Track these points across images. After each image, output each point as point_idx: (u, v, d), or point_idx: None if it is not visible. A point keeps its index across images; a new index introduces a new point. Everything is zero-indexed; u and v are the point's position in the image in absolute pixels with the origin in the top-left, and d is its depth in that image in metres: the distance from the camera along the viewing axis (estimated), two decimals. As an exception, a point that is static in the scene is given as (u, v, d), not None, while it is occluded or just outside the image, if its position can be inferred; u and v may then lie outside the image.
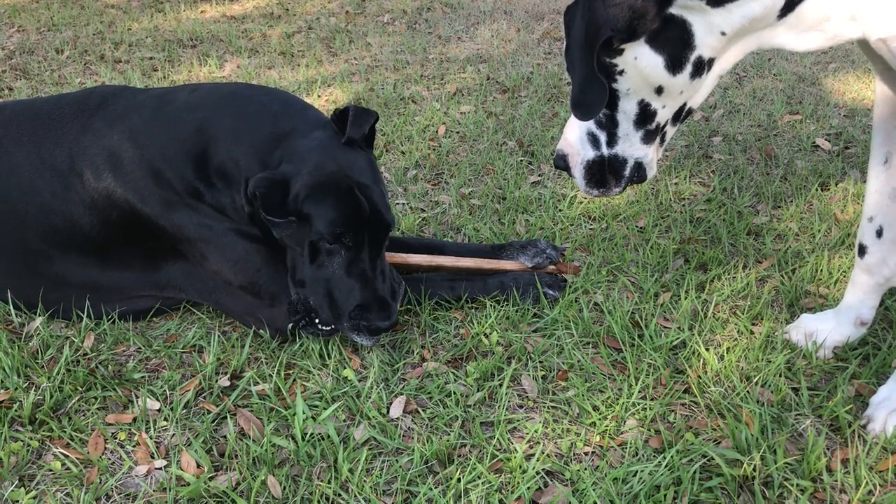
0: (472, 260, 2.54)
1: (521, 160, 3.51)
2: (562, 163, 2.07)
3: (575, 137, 2.02)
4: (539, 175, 3.37)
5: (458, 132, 3.86)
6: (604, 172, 2.02)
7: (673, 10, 1.74)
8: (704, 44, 1.78)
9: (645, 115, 1.90)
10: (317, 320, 2.20)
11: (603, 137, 1.98)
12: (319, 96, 4.35)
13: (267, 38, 5.51)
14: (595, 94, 1.82)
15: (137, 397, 2.09)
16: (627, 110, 1.90)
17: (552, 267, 2.60)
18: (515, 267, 2.55)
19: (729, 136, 3.67)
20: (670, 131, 1.99)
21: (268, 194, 2.07)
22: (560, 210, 3.05)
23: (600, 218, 2.98)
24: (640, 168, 2.02)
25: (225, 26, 5.79)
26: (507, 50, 5.12)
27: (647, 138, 1.96)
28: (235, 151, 2.21)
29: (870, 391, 2.01)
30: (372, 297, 2.15)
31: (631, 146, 1.97)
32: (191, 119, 2.27)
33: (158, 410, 2.05)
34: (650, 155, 2.00)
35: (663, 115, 1.91)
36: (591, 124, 1.98)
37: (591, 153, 2.01)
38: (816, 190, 3.11)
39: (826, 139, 3.61)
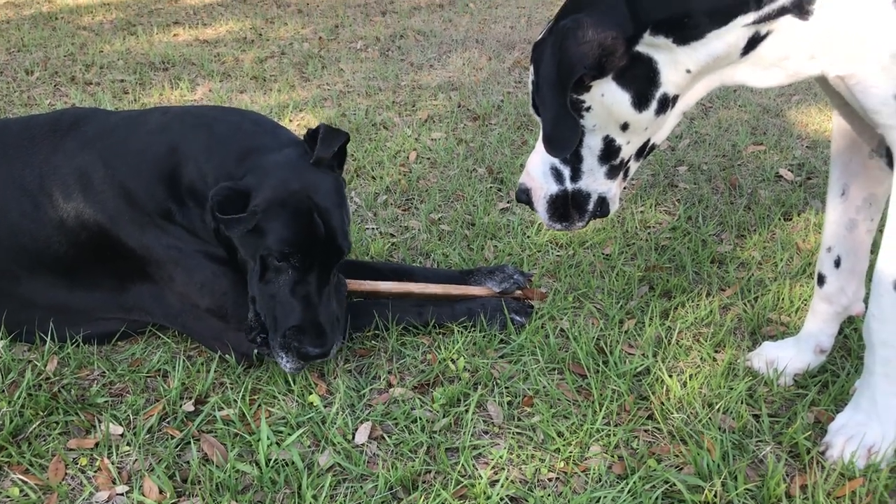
0: (441, 286, 2.55)
1: (491, 187, 3.54)
2: (524, 197, 2.08)
3: (538, 172, 2.03)
4: (508, 202, 3.40)
5: (428, 158, 3.89)
6: (567, 207, 2.04)
7: (640, 48, 1.78)
8: (670, 81, 1.82)
9: (609, 151, 1.94)
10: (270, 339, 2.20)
11: (567, 172, 2.00)
12: (291, 121, 4.37)
13: (239, 63, 5.53)
14: (568, 131, 1.85)
15: (100, 422, 2.07)
16: (592, 146, 1.93)
17: (519, 293, 2.62)
18: (483, 292, 2.57)
19: (694, 166, 3.73)
20: (633, 166, 2.02)
21: (224, 201, 2.06)
22: (528, 236, 3.08)
23: (567, 245, 3.01)
24: (603, 203, 2.04)
25: (197, 50, 5.80)
26: (478, 78, 5.18)
27: (611, 173, 1.99)
28: (205, 169, 2.21)
29: (828, 418, 2.04)
30: (310, 321, 2.14)
31: (595, 181, 2.00)
32: (162, 140, 2.28)
33: (121, 435, 2.03)
34: (613, 190, 2.03)
35: (627, 150, 1.95)
36: (554, 159, 1.99)
37: (554, 188, 2.03)
38: (779, 219, 3.18)
39: (789, 170, 3.68)
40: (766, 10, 1.69)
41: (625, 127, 1.88)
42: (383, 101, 4.70)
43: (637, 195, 3.43)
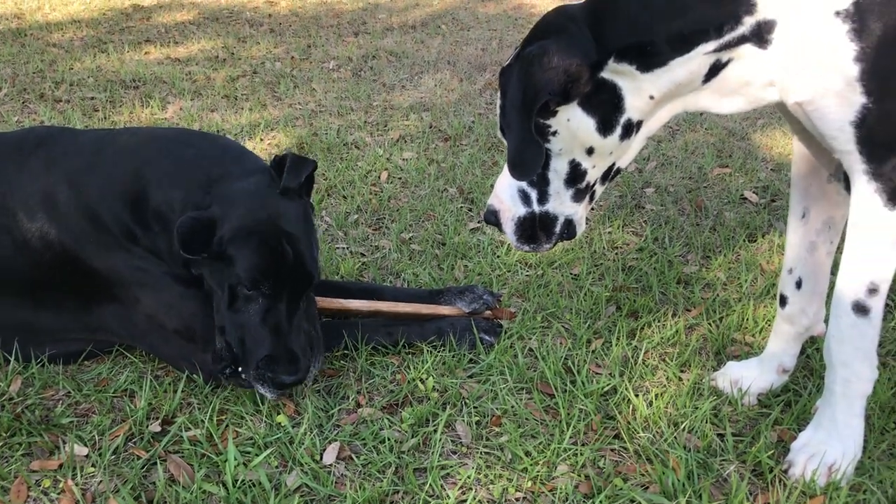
0: (410, 305, 2.57)
1: (462, 207, 3.57)
2: (493, 218, 2.10)
3: (506, 194, 2.06)
4: (478, 222, 3.43)
5: (400, 178, 3.91)
6: (535, 228, 2.06)
7: (604, 75, 1.82)
8: (633, 107, 1.87)
9: (576, 175, 1.97)
10: (240, 369, 2.18)
11: (534, 195, 2.03)
12: (262, 140, 4.37)
13: (211, 81, 5.52)
14: (532, 155, 1.88)
15: (65, 443, 2.05)
16: (559, 169, 1.96)
17: (488, 312, 2.64)
18: (453, 312, 2.59)
19: (661, 188, 3.79)
20: (599, 190, 2.05)
21: (187, 234, 2.05)
22: (498, 256, 3.10)
23: (536, 265, 3.04)
24: (570, 225, 2.07)
25: (169, 68, 5.78)
26: (449, 99, 5.22)
27: (578, 197, 2.02)
28: (171, 195, 2.21)
29: (791, 437, 2.08)
30: (282, 349, 2.13)
31: (561, 204, 2.03)
32: (129, 163, 2.28)
33: (86, 456, 2.01)
34: (580, 212, 2.06)
35: (593, 174, 1.98)
36: (522, 182, 2.02)
37: (522, 210, 2.05)
38: (744, 241, 3.23)
39: (754, 192, 3.75)
40: (727, 38, 1.74)
41: (590, 151, 1.92)
42: (355, 121, 4.72)
43: (605, 216, 3.47)
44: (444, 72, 5.86)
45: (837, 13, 1.63)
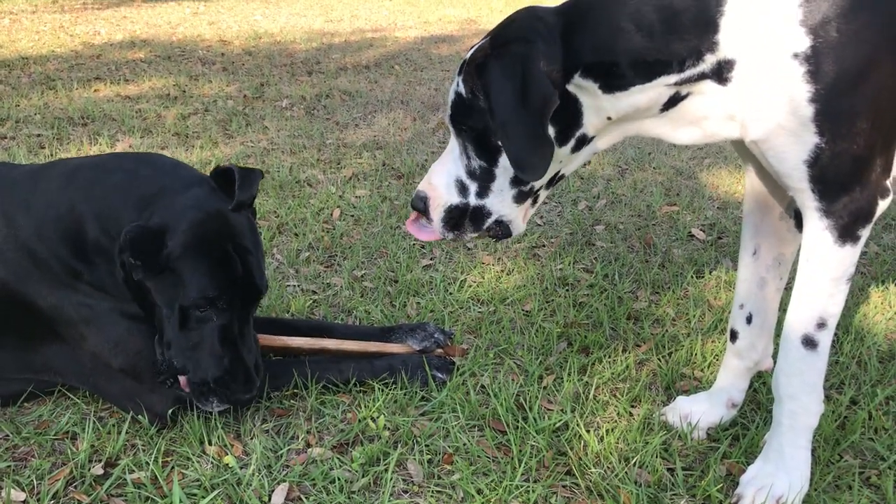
0: (357, 343, 2.54)
1: (414, 244, 3.57)
2: (420, 204, 2.05)
3: (441, 182, 2.02)
4: (431, 259, 3.43)
5: (352, 215, 3.91)
6: (464, 219, 2.03)
7: (569, 88, 1.83)
8: (590, 124, 1.88)
9: None
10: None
11: (473, 187, 1.99)
12: (213, 178, 4.33)
13: (162, 119, 5.48)
14: (544, 154, 1.82)
15: (1, 489, 1.97)
16: (508, 168, 1.93)
17: (440, 350, 2.63)
18: (402, 350, 2.57)
19: (611, 225, 3.84)
20: (543, 195, 2.05)
21: (137, 240, 2.02)
22: (450, 293, 3.10)
23: (488, 301, 3.05)
24: (501, 224, 2.04)
25: (118, 105, 5.73)
26: (402, 138, 5.25)
27: (520, 198, 2.00)
28: (108, 224, 2.16)
29: (740, 470, 2.09)
30: (238, 366, 2.13)
31: (501, 202, 2.00)
32: (61, 198, 2.22)
33: (23, 502, 1.94)
34: (516, 214, 2.03)
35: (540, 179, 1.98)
36: (461, 172, 1.99)
37: (455, 199, 2.01)
38: (692, 277, 3.28)
39: (701, 229, 3.82)
40: (688, 73, 1.78)
41: None
42: (308, 159, 4.72)
43: (556, 253, 3.50)
44: (398, 111, 5.90)
45: (795, 55, 1.67)
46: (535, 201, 2.05)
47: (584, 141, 1.91)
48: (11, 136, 4.92)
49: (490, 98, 1.82)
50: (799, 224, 2.04)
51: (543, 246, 3.62)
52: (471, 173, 1.98)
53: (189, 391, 2.17)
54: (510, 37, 1.84)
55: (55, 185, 2.26)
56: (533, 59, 1.76)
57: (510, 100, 1.79)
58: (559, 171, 2.00)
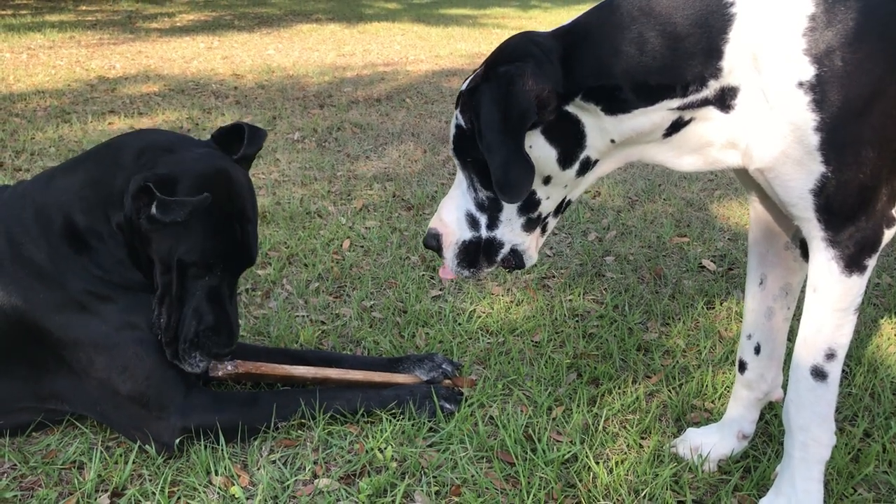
0: (362, 373, 2.53)
1: (423, 275, 3.57)
2: (434, 242, 2.05)
3: (452, 218, 2.01)
4: (440, 289, 3.43)
5: (362, 246, 3.92)
6: (478, 254, 2.02)
7: (570, 108, 1.84)
8: (594, 146, 1.88)
9: (529, 203, 1.95)
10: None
11: (483, 220, 1.99)
12: (224, 209, 4.35)
13: (175, 151, 5.52)
14: (521, 174, 1.80)
15: (6, 518, 1.97)
16: None
17: (448, 381, 2.62)
18: (408, 380, 2.56)
19: (621, 256, 3.83)
20: (552, 223, 2.05)
21: (151, 181, 2.07)
22: (459, 324, 3.09)
23: (498, 332, 3.04)
24: (516, 254, 2.04)
25: (132, 138, 5.78)
26: (413, 170, 5.27)
27: (529, 226, 2.00)
28: (99, 199, 2.24)
29: (751, 503, 2.06)
30: (223, 322, 2.21)
31: (511, 231, 2.00)
32: (46, 199, 2.28)
33: (29, 532, 1.93)
34: (528, 242, 2.03)
35: (547, 205, 1.98)
36: (471, 206, 1.99)
37: (468, 234, 2.01)
38: (702, 308, 3.26)
39: (712, 260, 3.81)
40: (691, 98, 1.78)
41: (547, 181, 1.92)
42: (318, 191, 4.74)
43: (566, 284, 3.50)
44: (408, 143, 5.94)
45: (800, 84, 1.67)
46: (544, 230, 2.05)
47: (588, 164, 1.91)
48: (27, 167, 4.97)
49: (479, 120, 1.82)
50: (805, 253, 2.03)
51: (553, 277, 3.61)
52: (479, 205, 1.99)
53: (179, 350, 2.23)
54: (501, 60, 1.85)
55: (51, 191, 2.31)
56: (517, 79, 1.77)
57: (494, 119, 1.79)
58: (566, 197, 2.00)
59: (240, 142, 2.34)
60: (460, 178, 2.01)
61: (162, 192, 2.07)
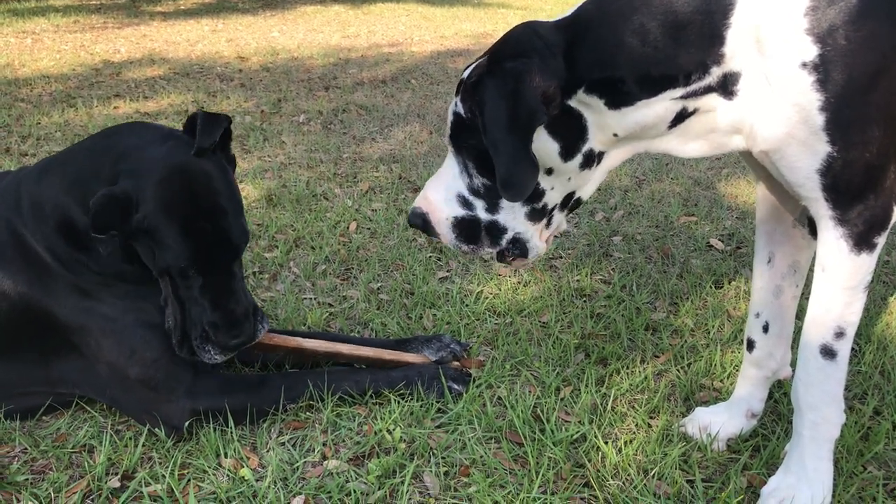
0: (372, 349, 2.54)
1: (430, 256, 3.56)
2: (419, 221, 2.02)
3: (439, 197, 2.00)
4: (447, 271, 3.42)
5: (369, 228, 3.91)
6: (477, 231, 2.00)
7: (572, 103, 1.83)
8: (597, 139, 1.87)
9: (533, 192, 1.92)
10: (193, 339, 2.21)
11: (480, 204, 1.98)
12: (231, 192, 4.35)
13: (180, 135, 5.52)
14: (526, 175, 1.80)
15: (19, 501, 1.98)
16: None
17: (456, 363, 2.62)
18: (417, 359, 2.56)
19: (628, 236, 3.82)
20: (557, 217, 2.03)
21: (100, 211, 2.02)
22: (467, 305, 3.09)
23: (505, 313, 3.03)
24: (519, 243, 2.02)
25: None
26: (419, 151, 5.26)
27: (532, 216, 1.99)
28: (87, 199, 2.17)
29: (760, 482, 2.06)
30: (224, 315, 2.17)
31: (514, 218, 1.98)
32: (45, 192, 2.26)
33: (40, 515, 1.95)
34: (531, 232, 2.01)
35: (551, 196, 1.96)
36: (463, 189, 1.97)
37: (459, 211, 1.98)
38: (711, 287, 3.25)
39: (720, 240, 3.79)
40: (694, 87, 1.77)
41: (549, 171, 1.91)
42: (324, 173, 4.73)
43: (573, 264, 3.49)
44: (414, 124, 5.91)
45: (804, 64, 1.65)
46: (549, 223, 2.03)
47: (592, 157, 1.90)
48: (33, 152, 4.98)
49: (483, 115, 1.81)
50: (813, 231, 2.01)
51: (560, 257, 3.60)
52: (474, 191, 1.97)
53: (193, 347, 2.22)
54: (506, 54, 1.83)
55: (33, 186, 2.29)
56: (525, 76, 1.76)
57: (502, 117, 1.78)
58: (573, 192, 1.98)
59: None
60: (451, 162, 1.99)
61: (117, 209, 2.04)
